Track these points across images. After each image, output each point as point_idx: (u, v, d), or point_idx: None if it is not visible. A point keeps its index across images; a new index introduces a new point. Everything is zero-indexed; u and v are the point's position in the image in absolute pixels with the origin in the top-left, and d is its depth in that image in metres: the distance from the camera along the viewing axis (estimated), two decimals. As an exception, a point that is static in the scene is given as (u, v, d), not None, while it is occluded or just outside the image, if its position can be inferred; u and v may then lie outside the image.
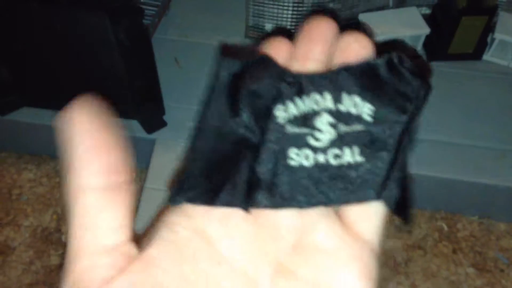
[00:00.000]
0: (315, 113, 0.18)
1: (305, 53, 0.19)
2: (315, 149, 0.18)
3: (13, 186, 0.90)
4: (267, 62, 0.19)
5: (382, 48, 0.20)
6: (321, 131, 0.18)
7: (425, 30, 0.88)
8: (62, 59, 0.80)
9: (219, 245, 0.17)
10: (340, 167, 0.18)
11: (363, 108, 0.18)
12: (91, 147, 0.16)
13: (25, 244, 0.83)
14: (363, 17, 0.91)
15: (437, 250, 0.81)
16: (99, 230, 0.16)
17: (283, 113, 0.18)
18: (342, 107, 0.18)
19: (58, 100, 0.92)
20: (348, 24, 0.91)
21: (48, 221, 0.86)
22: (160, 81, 0.84)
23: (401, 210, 0.18)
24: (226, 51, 0.19)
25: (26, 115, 0.87)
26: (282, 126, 0.18)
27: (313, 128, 0.18)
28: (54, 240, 0.83)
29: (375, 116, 0.18)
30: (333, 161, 0.18)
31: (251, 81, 0.18)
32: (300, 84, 0.18)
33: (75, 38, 0.77)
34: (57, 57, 0.79)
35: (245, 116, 0.18)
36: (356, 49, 0.19)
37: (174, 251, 0.17)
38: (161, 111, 0.87)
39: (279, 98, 0.18)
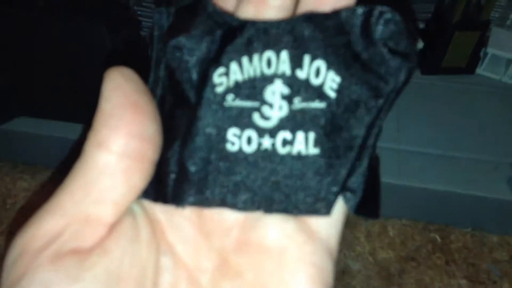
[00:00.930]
0: (265, 79, 0.14)
1: None
2: (260, 131, 0.14)
3: (7, 195, 0.90)
4: (203, 7, 0.14)
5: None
6: (271, 105, 0.14)
7: (419, 44, 0.89)
8: (60, 69, 0.80)
9: (165, 232, 0.15)
10: (289, 158, 0.14)
11: (327, 79, 0.14)
12: (121, 105, 0.14)
13: (19, 254, 0.83)
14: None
15: (430, 262, 0.82)
16: (100, 195, 0.14)
17: (223, 78, 0.14)
18: (301, 74, 0.14)
19: (55, 110, 0.93)
20: None
21: (42, 231, 0.85)
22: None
23: (366, 209, 0.15)
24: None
25: (22, 125, 0.88)
26: (221, 97, 0.14)
27: (262, 101, 0.14)
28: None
29: (341, 93, 0.14)
30: (281, 149, 0.14)
31: (176, 34, 0.14)
32: (250, 37, 0.14)
33: (73, 48, 0.78)
34: (55, 67, 0.80)
35: (179, 80, 0.14)
36: None
37: (126, 237, 0.14)
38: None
39: (221, 56, 0.14)
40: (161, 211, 0.15)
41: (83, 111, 0.89)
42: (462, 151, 0.84)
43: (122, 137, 0.14)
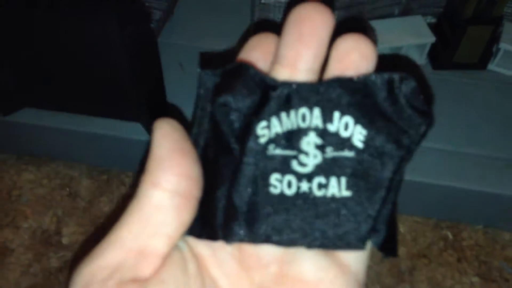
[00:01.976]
0: (301, 132, 0.16)
1: (294, 59, 0.16)
2: (299, 176, 0.16)
3: (12, 187, 0.89)
4: (245, 69, 0.16)
5: (383, 62, 0.17)
6: (307, 154, 0.16)
7: (431, 38, 0.88)
8: (67, 61, 0.79)
9: (209, 268, 0.17)
10: (324, 200, 0.16)
11: (355, 132, 0.16)
12: (172, 150, 0.16)
13: (24, 246, 0.81)
14: (368, 25, 0.91)
15: (442, 259, 0.81)
16: (155, 229, 0.16)
17: (265, 130, 0.16)
18: (332, 127, 0.16)
19: (61, 102, 0.92)
20: (350, 19, 0.90)
21: (48, 223, 0.84)
22: (164, 85, 0.84)
23: (387, 247, 0.17)
24: (207, 61, 0.17)
25: (27, 116, 0.86)
26: (263, 147, 0.16)
27: (299, 150, 0.16)
28: (54, 243, 0.82)
29: (367, 144, 0.16)
30: (317, 192, 0.16)
31: (224, 93, 0.16)
32: (288, 96, 0.16)
33: (80, 40, 0.77)
34: (62, 59, 0.78)
35: (224, 133, 0.16)
36: (355, 59, 0.16)
37: (178, 269, 0.16)
38: (165, 115, 0.86)
39: (262, 112, 0.16)
40: (204, 247, 0.17)
41: (89, 103, 0.88)
42: (474, 147, 0.83)
43: (173, 177, 0.15)
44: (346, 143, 0.16)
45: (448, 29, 0.88)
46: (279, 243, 0.16)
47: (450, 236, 0.83)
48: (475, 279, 0.79)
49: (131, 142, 0.84)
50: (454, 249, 0.82)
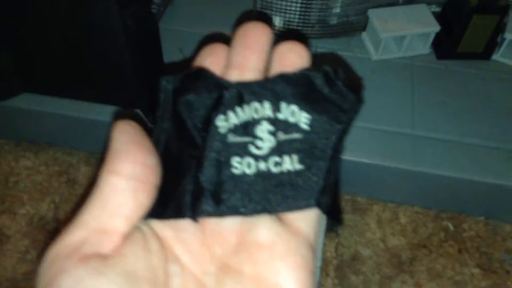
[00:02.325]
0: (255, 122, 0.19)
1: (242, 62, 0.20)
2: (256, 157, 0.19)
3: (10, 173, 0.88)
4: (203, 73, 0.20)
5: (316, 59, 0.21)
6: (261, 139, 0.19)
7: (435, 27, 0.87)
8: (66, 44, 0.78)
9: (172, 246, 0.19)
10: (281, 174, 0.19)
11: (300, 117, 0.19)
12: (127, 142, 0.18)
13: (21, 233, 0.81)
14: (372, 13, 0.90)
15: (442, 250, 0.80)
16: (113, 210, 0.17)
17: (224, 122, 0.19)
18: (281, 116, 0.19)
19: (60, 87, 0.90)
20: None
21: (45, 210, 0.83)
22: (164, 70, 0.82)
23: (333, 213, 0.19)
24: (168, 69, 0.19)
25: (26, 101, 0.85)
26: (223, 135, 0.19)
27: (254, 136, 0.19)
28: (51, 229, 0.81)
29: (312, 125, 0.19)
30: (274, 169, 0.19)
31: (186, 93, 0.19)
32: (240, 93, 0.19)
33: (80, 23, 0.76)
34: (61, 42, 0.77)
35: (189, 127, 0.19)
36: (292, 59, 0.20)
37: (139, 247, 0.18)
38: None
39: (220, 108, 0.19)
40: (167, 229, 0.19)
41: (88, 88, 0.87)
42: (477, 138, 0.82)
43: (128, 164, 0.18)
44: (294, 127, 0.19)
45: (453, 17, 0.87)
46: (245, 213, 0.18)
47: (451, 227, 0.83)
48: (476, 270, 0.78)
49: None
50: (454, 240, 0.81)
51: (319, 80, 0.19)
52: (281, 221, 0.19)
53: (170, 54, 0.89)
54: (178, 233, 0.19)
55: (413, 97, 0.86)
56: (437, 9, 0.92)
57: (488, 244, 0.81)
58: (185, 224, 0.19)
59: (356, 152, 0.79)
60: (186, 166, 0.19)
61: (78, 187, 0.86)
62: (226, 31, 0.92)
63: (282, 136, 0.19)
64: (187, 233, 0.19)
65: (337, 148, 0.19)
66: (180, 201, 0.18)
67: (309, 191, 0.18)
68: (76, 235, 0.17)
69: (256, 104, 0.19)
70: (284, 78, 0.19)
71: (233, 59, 0.20)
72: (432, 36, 0.89)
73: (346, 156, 0.79)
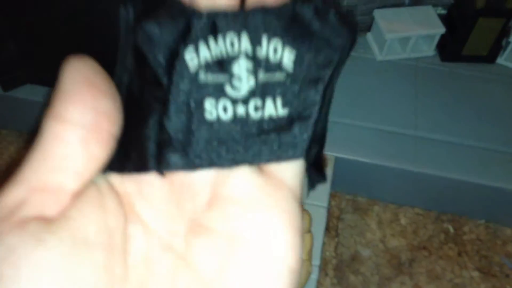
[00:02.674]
0: (231, 58, 0.16)
1: None
2: (233, 100, 0.16)
3: (12, 163, 0.88)
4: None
5: None
6: (239, 78, 0.16)
7: (440, 29, 0.87)
8: (72, 36, 0.78)
9: (134, 204, 0.16)
10: (262, 121, 0.16)
11: (284, 54, 0.16)
12: (77, 83, 0.15)
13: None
14: (377, 13, 0.90)
15: (442, 252, 0.80)
16: (58, 164, 0.14)
17: (194, 57, 0.16)
18: (261, 52, 0.16)
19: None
20: None
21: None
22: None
23: (318, 167, 0.17)
24: None
25: (29, 93, 0.85)
26: (194, 73, 0.16)
27: (231, 74, 0.16)
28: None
29: (297, 65, 0.16)
30: (254, 114, 0.16)
31: (146, 22, 0.16)
32: (213, 23, 0.16)
33: (86, 16, 0.76)
34: (65, 34, 0.77)
35: (151, 64, 0.16)
36: None
37: (91, 207, 0.15)
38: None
39: (189, 39, 0.16)
40: (129, 184, 0.16)
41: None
42: (479, 140, 0.82)
43: (76, 109, 0.14)
44: (276, 65, 0.16)
45: (458, 19, 0.87)
46: (220, 165, 0.16)
47: (451, 230, 0.83)
48: (475, 273, 0.78)
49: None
50: (454, 242, 0.81)
51: (307, 14, 0.16)
52: (261, 172, 0.16)
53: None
54: (142, 188, 0.16)
55: (417, 98, 0.86)
56: (443, 11, 0.92)
57: (488, 248, 0.81)
58: (150, 178, 0.16)
59: (358, 152, 0.79)
60: (149, 110, 0.16)
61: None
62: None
63: (263, 75, 0.16)
64: (152, 187, 0.16)
65: (326, 94, 0.17)
66: (143, 152, 0.16)
67: (296, 140, 0.16)
68: (14, 195, 0.14)
69: (232, 36, 0.16)
70: (265, 10, 0.16)
71: None
72: (437, 38, 0.89)
73: (348, 155, 0.79)
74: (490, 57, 0.89)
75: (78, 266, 0.14)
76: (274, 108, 0.16)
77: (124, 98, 0.16)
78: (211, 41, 0.16)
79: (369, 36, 0.94)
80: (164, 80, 0.16)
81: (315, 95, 0.16)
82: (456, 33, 0.87)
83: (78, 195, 0.15)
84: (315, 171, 0.17)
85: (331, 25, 0.16)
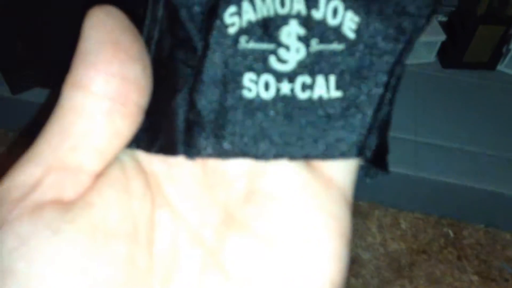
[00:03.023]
0: (279, 20, 0.13)
1: None
2: (278, 75, 0.13)
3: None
4: None
5: None
6: (287, 47, 0.13)
7: (441, 36, 0.88)
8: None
9: (162, 185, 0.14)
10: (311, 103, 0.13)
11: (346, 19, 0.13)
12: (108, 43, 0.12)
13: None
14: (379, 20, 0.91)
15: (441, 256, 0.81)
16: (79, 140, 0.12)
17: (235, 18, 0.13)
18: (317, 14, 0.13)
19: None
20: None
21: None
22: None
23: (377, 159, 0.14)
24: None
25: (38, 96, 0.87)
26: (233, 39, 0.13)
27: (277, 42, 0.13)
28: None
29: (360, 33, 0.13)
30: (301, 94, 0.13)
31: None
32: None
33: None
34: (75, 38, 0.79)
35: (183, 20, 0.13)
36: None
37: (115, 190, 0.13)
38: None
39: None
40: (158, 163, 0.14)
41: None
42: (479, 146, 0.82)
43: (100, 76, 0.12)
44: (335, 33, 0.13)
45: (459, 26, 0.88)
46: (256, 157, 0.13)
47: (451, 234, 0.83)
48: (475, 278, 0.79)
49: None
50: (454, 246, 0.82)
51: None
52: (307, 165, 0.14)
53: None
54: (172, 169, 0.14)
55: (417, 104, 0.87)
56: (444, 18, 0.93)
57: (487, 252, 0.81)
58: (182, 158, 0.14)
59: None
60: (179, 80, 0.13)
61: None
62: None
63: (316, 45, 0.13)
64: (183, 169, 0.14)
65: (394, 71, 0.13)
66: (171, 132, 0.13)
67: (349, 132, 0.13)
68: (29, 173, 0.12)
69: None
70: None
71: None
72: (438, 45, 0.90)
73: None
74: (491, 64, 0.90)
75: (97, 260, 0.12)
76: (326, 89, 0.13)
77: (153, 58, 0.13)
78: None
79: None
80: (198, 45, 0.13)
81: (378, 72, 0.13)
82: (456, 40, 0.88)
83: (100, 176, 0.13)
84: (375, 164, 0.14)
85: None
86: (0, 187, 0.13)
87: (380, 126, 0.14)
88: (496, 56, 0.89)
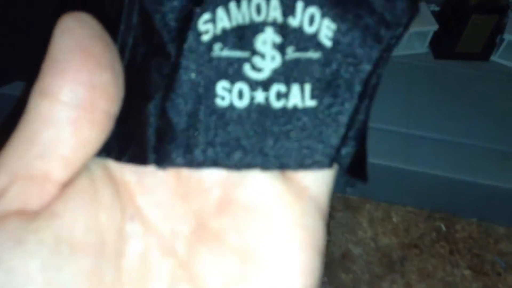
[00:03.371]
0: (255, 27, 0.13)
1: None
2: (252, 83, 0.13)
3: (2, 161, 0.87)
4: None
5: None
6: (263, 55, 0.13)
7: (433, 26, 0.86)
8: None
9: (134, 195, 0.14)
10: (285, 112, 0.13)
11: (322, 27, 0.13)
12: (70, 50, 0.12)
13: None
14: (371, 10, 0.89)
15: (433, 250, 0.80)
16: (46, 148, 0.12)
17: (209, 25, 0.13)
18: (294, 22, 0.13)
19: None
20: None
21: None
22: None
23: (354, 168, 0.14)
24: None
25: (20, 89, 0.85)
26: (207, 46, 0.13)
27: (252, 51, 0.13)
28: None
29: (337, 41, 0.13)
30: (275, 103, 0.13)
31: None
32: None
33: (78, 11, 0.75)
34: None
35: (157, 27, 0.13)
36: None
37: (82, 200, 0.13)
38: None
39: (202, 1, 0.13)
40: (129, 172, 0.14)
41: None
42: (472, 138, 0.81)
43: (67, 83, 0.12)
44: (311, 41, 0.13)
45: (452, 16, 0.86)
46: (228, 166, 0.13)
47: (443, 228, 0.82)
48: (467, 272, 0.77)
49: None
50: (446, 241, 0.81)
51: None
52: (282, 175, 0.14)
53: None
54: (144, 178, 0.14)
55: (409, 96, 0.85)
56: (436, 8, 0.91)
57: (480, 246, 0.80)
58: (148, 170, 0.14)
59: (349, 149, 0.79)
60: (152, 87, 0.13)
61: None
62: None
63: (292, 53, 0.13)
64: (155, 178, 0.14)
65: (370, 80, 0.13)
66: (142, 140, 0.13)
67: (323, 142, 0.13)
68: None
69: (260, 2, 0.13)
70: None
71: None
72: (430, 34, 0.88)
73: (339, 153, 0.79)
74: (484, 55, 0.89)
75: (61, 273, 0.12)
76: (300, 97, 0.13)
77: (126, 65, 0.13)
78: (233, 6, 0.13)
79: None
80: (172, 52, 0.13)
81: (354, 82, 0.13)
82: (449, 30, 0.86)
83: (67, 185, 0.13)
84: (353, 173, 0.14)
85: None
86: None
87: (356, 136, 0.14)
88: (490, 47, 0.88)
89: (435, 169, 0.78)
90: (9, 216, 0.12)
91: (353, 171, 0.14)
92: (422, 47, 0.90)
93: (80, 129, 0.12)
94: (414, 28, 0.87)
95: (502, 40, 0.86)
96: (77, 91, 0.12)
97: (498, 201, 0.80)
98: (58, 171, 0.12)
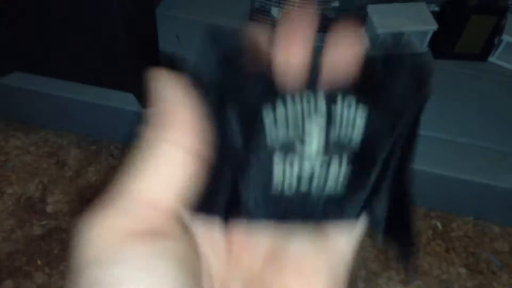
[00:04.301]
0: (305, 116, 0.16)
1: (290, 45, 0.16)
2: (302, 160, 0.16)
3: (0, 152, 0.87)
4: (258, 53, 0.16)
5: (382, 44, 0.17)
6: (310, 136, 0.16)
7: (433, 26, 0.87)
8: (62, 24, 0.77)
9: (201, 243, 0.17)
10: (321, 196, 0.16)
11: (357, 112, 0.16)
12: (182, 105, 0.15)
13: (7, 212, 0.80)
14: (371, 9, 0.89)
15: (429, 248, 0.80)
16: (168, 183, 0.15)
17: (271, 115, 0.16)
18: (336, 109, 0.16)
19: (54, 67, 0.89)
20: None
21: (32, 191, 0.83)
22: (160, 56, 0.82)
23: (400, 246, 0.18)
24: (215, 34, 0.16)
25: (18, 80, 0.84)
26: (270, 142, 0.16)
27: (303, 135, 0.16)
28: (38, 210, 0.80)
29: (367, 123, 0.16)
30: (314, 192, 0.16)
31: (241, 75, 0.16)
32: (289, 82, 0.16)
33: (78, 7, 0.75)
34: (58, 24, 0.76)
35: (232, 116, 0.16)
36: (346, 48, 0.16)
37: (185, 232, 0.16)
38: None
39: (269, 97, 0.16)
40: (198, 223, 0.16)
41: (82, 70, 0.86)
42: (470, 137, 0.82)
43: (188, 135, 0.15)
44: (349, 123, 0.16)
45: (451, 16, 0.87)
46: (279, 229, 0.17)
47: (440, 226, 0.82)
48: (462, 270, 0.78)
49: (123, 112, 0.83)
50: (442, 239, 0.81)
51: (378, 65, 0.16)
52: (318, 233, 0.17)
53: (167, 40, 0.89)
54: (208, 231, 0.17)
55: (408, 94, 0.86)
56: (436, 8, 0.92)
57: (476, 245, 0.81)
58: (213, 224, 0.17)
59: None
60: (224, 168, 0.16)
61: (67, 169, 0.86)
62: (224, 19, 0.91)
63: (334, 134, 0.16)
64: (216, 233, 0.17)
65: (395, 152, 0.16)
66: (214, 201, 0.16)
67: (353, 202, 0.16)
68: (126, 206, 0.14)
69: (309, 94, 0.16)
70: (340, 67, 0.16)
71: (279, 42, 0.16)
72: (430, 34, 0.88)
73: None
74: (482, 55, 0.89)
75: None
76: (338, 165, 0.16)
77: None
78: (288, 100, 0.16)
79: (363, 30, 0.93)
80: (242, 137, 0.16)
81: (379, 153, 0.16)
82: (448, 30, 0.87)
83: (174, 217, 0.15)
84: (398, 241, 0.18)
85: (402, 80, 0.16)
86: (97, 218, 0.14)
87: (385, 201, 0.17)
88: (488, 47, 0.88)
89: (432, 167, 0.79)
90: (143, 234, 0.14)
91: (391, 236, 0.18)
92: (421, 47, 0.90)
93: (189, 171, 0.15)
94: (414, 28, 0.87)
95: (500, 41, 0.87)
96: (193, 141, 0.15)
97: (494, 200, 0.80)
98: (174, 204, 0.15)
